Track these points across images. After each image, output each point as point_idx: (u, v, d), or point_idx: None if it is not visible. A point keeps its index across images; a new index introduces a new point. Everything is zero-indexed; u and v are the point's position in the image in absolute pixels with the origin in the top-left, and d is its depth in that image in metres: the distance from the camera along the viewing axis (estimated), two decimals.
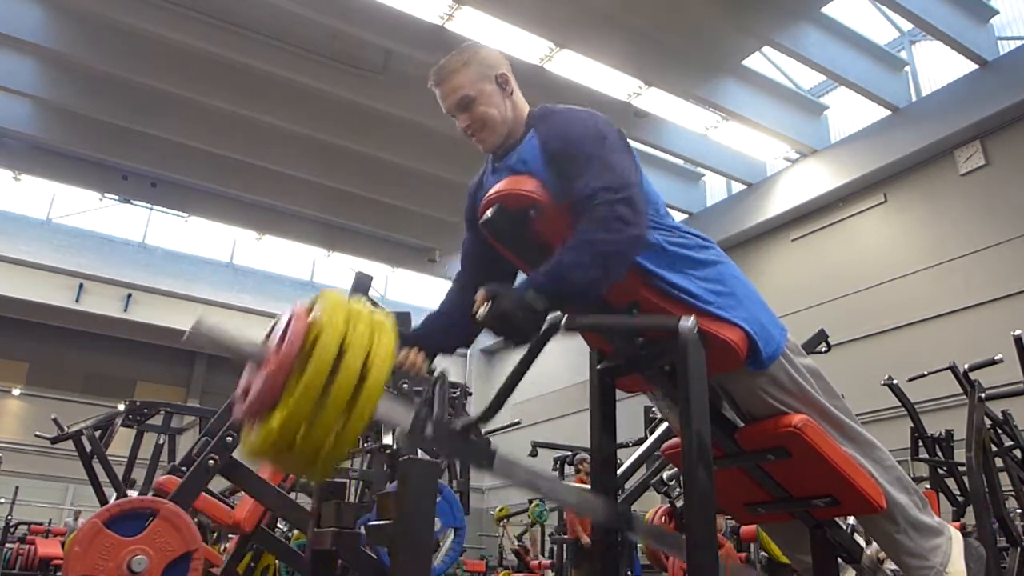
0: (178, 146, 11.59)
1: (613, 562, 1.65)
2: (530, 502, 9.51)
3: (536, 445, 8.29)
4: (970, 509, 4.26)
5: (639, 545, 5.36)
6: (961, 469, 4.96)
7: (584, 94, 9.36)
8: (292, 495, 4.22)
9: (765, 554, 4.46)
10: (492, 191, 1.64)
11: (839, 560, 1.79)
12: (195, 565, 2.51)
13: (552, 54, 9.06)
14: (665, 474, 4.27)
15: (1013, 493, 4.03)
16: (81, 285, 13.30)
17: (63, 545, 7.08)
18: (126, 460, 6.33)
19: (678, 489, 4.35)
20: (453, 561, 3.28)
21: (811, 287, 10.24)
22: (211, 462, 2.79)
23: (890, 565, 1.88)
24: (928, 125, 9.29)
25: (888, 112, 9.79)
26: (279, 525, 4.70)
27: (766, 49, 9.97)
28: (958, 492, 5.13)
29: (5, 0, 9.29)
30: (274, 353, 1.24)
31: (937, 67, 9.71)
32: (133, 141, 11.58)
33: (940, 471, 5.11)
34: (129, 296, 13.66)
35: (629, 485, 3.94)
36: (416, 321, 2.02)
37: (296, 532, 4.49)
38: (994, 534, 2.97)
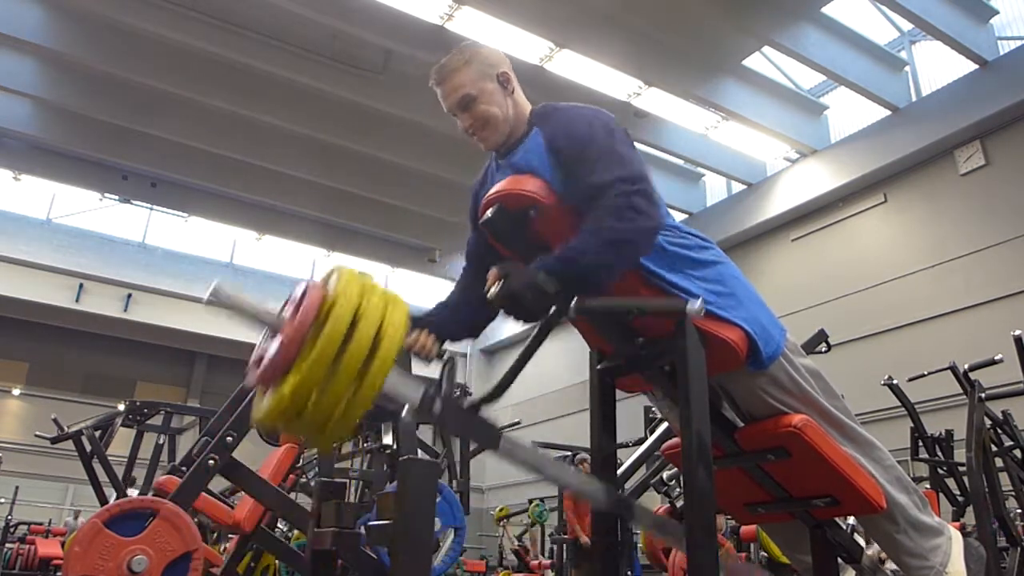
0: (178, 146, 11.59)
1: (613, 562, 1.65)
2: (530, 502, 9.52)
3: (536, 445, 8.29)
4: (970, 509, 4.26)
5: (639, 545, 5.37)
6: (961, 469, 4.96)
7: (584, 94, 9.35)
8: (292, 495, 4.23)
9: (765, 554, 4.46)
10: (492, 191, 1.64)
11: (839, 560, 1.79)
12: (195, 565, 2.51)
13: (552, 54, 9.06)
14: (665, 474, 4.27)
15: (1013, 493, 4.03)
16: (81, 285, 13.30)
17: (63, 545, 7.08)
18: (126, 460, 6.33)
19: (678, 489, 4.35)
20: (453, 561, 3.29)
21: (811, 287, 10.24)
22: (211, 462, 2.79)
23: (890, 565, 1.88)
24: (928, 125, 9.29)
25: (888, 112, 9.79)
26: (279, 525, 4.70)
27: (766, 49, 9.97)
28: (958, 492, 5.13)
29: (5, 0, 9.29)
30: (289, 321, 1.27)
31: (937, 67, 9.71)
32: (133, 141, 11.58)
33: (940, 471, 5.11)
34: (129, 296, 13.66)
35: (629, 485, 3.94)
36: None
37: (296, 532, 4.49)
38: (994, 534, 2.97)
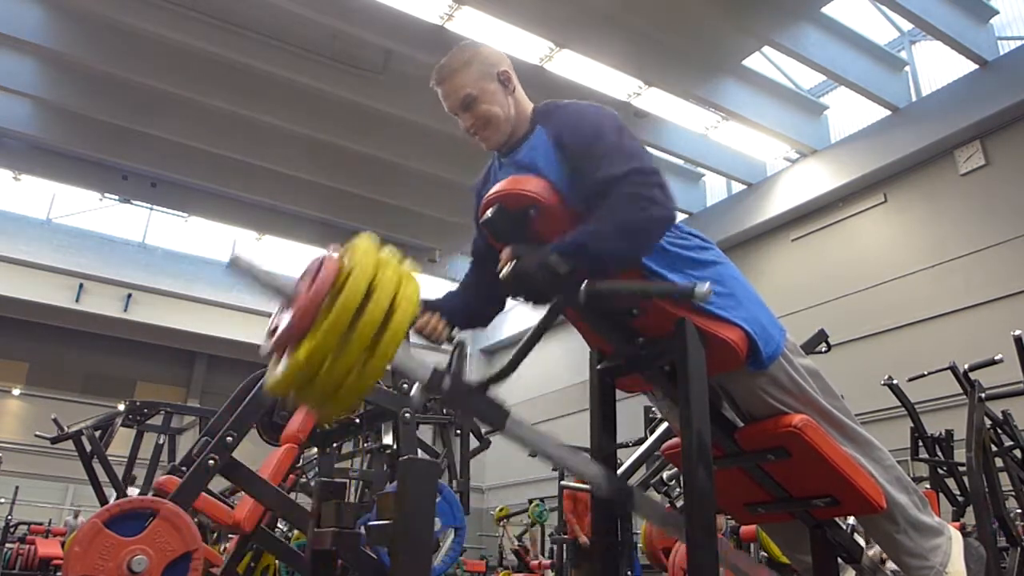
0: (178, 146, 11.60)
1: (613, 562, 1.65)
2: (530, 502, 9.53)
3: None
4: (970, 509, 4.26)
5: (639, 545, 5.36)
6: (961, 469, 4.96)
7: (584, 94, 9.29)
8: (292, 495, 4.23)
9: (765, 554, 4.46)
10: (492, 191, 1.64)
11: (839, 560, 1.79)
12: (195, 565, 2.51)
13: (552, 54, 9.06)
14: (665, 474, 4.26)
15: (1013, 493, 4.03)
16: (81, 285, 13.30)
17: (63, 545, 7.08)
18: (126, 460, 6.34)
19: (678, 489, 4.35)
20: (453, 561, 3.29)
21: (811, 287, 10.24)
22: (211, 462, 2.79)
23: (890, 565, 1.88)
24: (928, 125, 9.29)
25: (888, 112, 9.79)
26: (279, 525, 4.71)
27: (766, 49, 9.97)
28: (958, 492, 5.13)
29: (5, 0, 9.29)
30: (306, 290, 1.31)
31: (937, 67, 9.71)
32: (133, 141, 11.58)
33: (940, 471, 5.10)
34: (129, 296, 13.66)
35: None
36: None
37: (296, 532, 4.49)
38: (994, 534, 2.97)
